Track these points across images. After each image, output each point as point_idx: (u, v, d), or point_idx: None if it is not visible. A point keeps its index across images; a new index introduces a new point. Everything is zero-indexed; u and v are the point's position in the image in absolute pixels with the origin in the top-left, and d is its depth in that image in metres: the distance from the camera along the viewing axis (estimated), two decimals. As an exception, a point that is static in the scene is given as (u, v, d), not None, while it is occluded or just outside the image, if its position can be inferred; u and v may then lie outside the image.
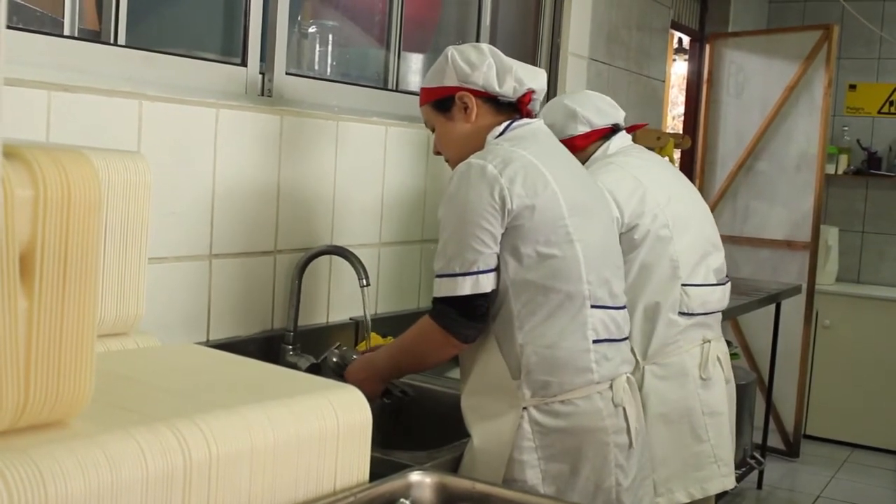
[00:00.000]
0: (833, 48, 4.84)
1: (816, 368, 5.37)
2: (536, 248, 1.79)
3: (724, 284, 2.54)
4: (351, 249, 2.28)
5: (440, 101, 1.96)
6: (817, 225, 4.97)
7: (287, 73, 2.33)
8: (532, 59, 3.44)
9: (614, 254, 1.99)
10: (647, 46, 4.20)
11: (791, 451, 5.14)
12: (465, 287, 1.78)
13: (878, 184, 5.74)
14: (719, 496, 2.64)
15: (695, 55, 5.39)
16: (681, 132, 5.34)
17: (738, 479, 3.94)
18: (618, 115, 2.55)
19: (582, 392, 1.82)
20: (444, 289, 1.80)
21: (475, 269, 1.78)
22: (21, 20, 1.90)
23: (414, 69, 2.91)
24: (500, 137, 1.91)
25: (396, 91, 2.79)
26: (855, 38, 5.70)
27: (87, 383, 0.99)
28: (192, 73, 2.09)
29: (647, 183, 2.40)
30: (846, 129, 5.80)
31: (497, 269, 1.80)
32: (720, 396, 2.48)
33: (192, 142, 2.03)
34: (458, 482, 1.46)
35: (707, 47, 5.27)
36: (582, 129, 2.49)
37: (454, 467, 1.85)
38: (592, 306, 1.85)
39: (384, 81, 2.82)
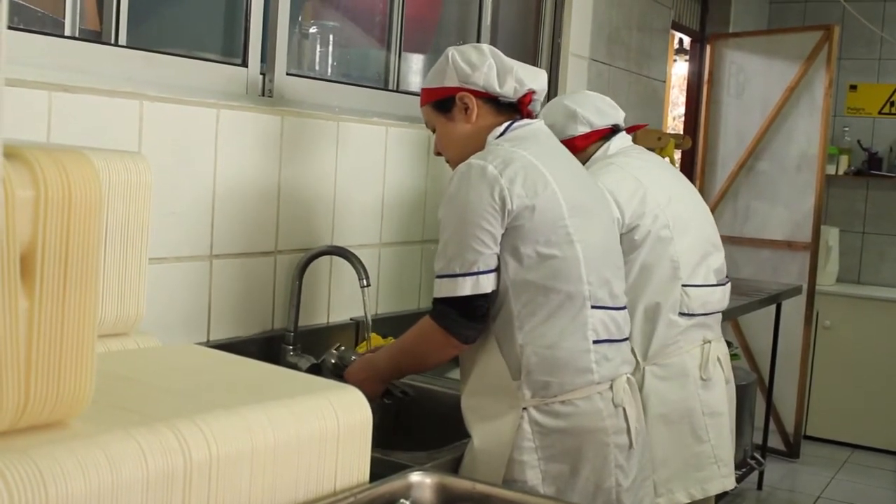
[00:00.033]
0: (834, 49, 4.84)
1: (817, 369, 5.36)
2: (536, 249, 1.79)
3: (724, 285, 2.55)
4: (351, 250, 2.28)
5: (441, 102, 1.96)
6: (818, 225, 4.97)
7: (288, 74, 2.33)
8: (533, 60, 3.44)
9: (615, 254, 1.99)
10: (647, 47, 4.20)
11: (791, 451, 5.14)
12: (466, 287, 1.78)
13: (879, 184, 5.74)
14: (719, 497, 2.64)
15: (695, 56, 5.39)
16: (681, 133, 5.34)
17: (739, 480, 3.94)
18: (618, 116, 2.55)
19: (582, 392, 1.82)
20: (444, 289, 1.80)
21: (475, 270, 1.78)
22: (22, 21, 1.90)
23: (414, 69, 2.91)
24: (501, 138, 1.91)
25: (397, 91, 2.80)
26: (855, 39, 5.70)
27: (88, 384, 0.99)
28: (193, 74, 2.09)
29: (647, 184, 2.40)
30: (847, 129, 5.80)
31: (497, 270, 1.80)
32: (720, 397, 2.48)
33: (192, 142, 2.04)
34: (458, 483, 1.46)
35: (708, 48, 5.27)
36: (582, 130, 2.49)
37: (454, 468, 1.85)
38: (593, 307, 1.85)
39: (385, 82, 2.82)
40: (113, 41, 1.96)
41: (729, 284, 2.59)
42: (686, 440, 2.41)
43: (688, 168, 5.29)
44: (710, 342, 2.46)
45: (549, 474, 1.81)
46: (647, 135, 3.87)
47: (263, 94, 2.27)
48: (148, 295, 1.53)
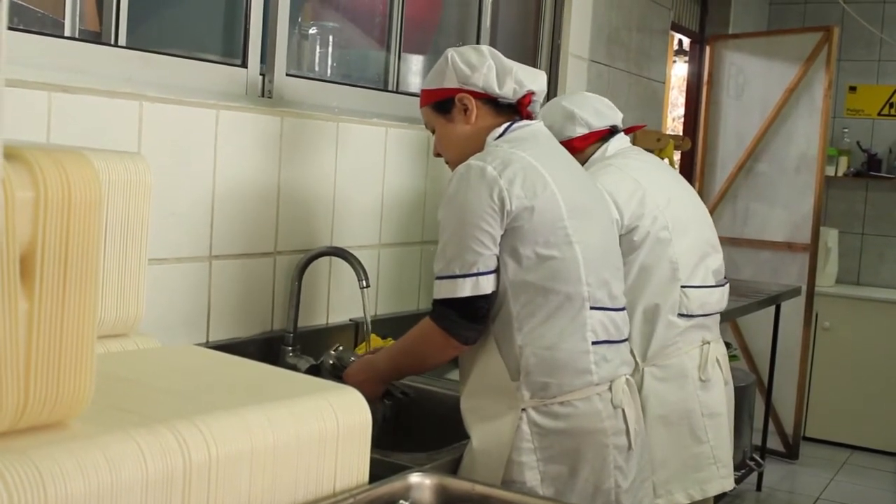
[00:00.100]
0: (833, 50, 4.84)
1: (816, 370, 5.37)
2: (536, 250, 1.79)
3: (723, 286, 2.55)
4: (351, 251, 2.28)
5: (440, 103, 1.96)
6: (817, 227, 4.97)
7: (287, 75, 2.33)
8: (532, 61, 3.44)
9: (614, 255, 1.99)
10: (647, 48, 4.21)
11: (790, 452, 5.14)
12: (465, 289, 1.78)
13: (878, 186, 5.74)
14: (718, 497, 2.64)
15: (695, 57, 5.39)
16: (681, 134, 5.34)
17: (738, 481, 3.94)
18: (616, 117, 2.55)
19: (581, 394, 1.82)
20: (444, 290, 1.80)
21: (475, 271, 1.78)
22: (22, 21, 1.90)
23: (414, 70, 2.92)
24: (500, 139, 1.91)
25: (397, 92, 2.80)
26: (855, 40, 5.70)
27: (87, 384, 0.99)
28: (193, 75, 2.09)
29: (646, 185, 2.40)
30: (846, 130, 5.80)
31: (497, 271, 1.80)
32: (719, 398, 2.48)
33: (192, 143, 2.04)
34: (457, 484, 1.46)
35: (707, 49, 5.28)
36: (580, 131, 2.49)
37: (453, 469, 1.85)
38: (592, 308, 1.85)
39: (384, 83, 2.82)
40: (112, 42, 1.96)
41: (728, 285, 2.59)
42: (685, 441, 2.41)
43: (687, 169, 5.29)
44: (708, 343, 2.46)
45: (548, 475, 1.81)
46: (646, 136, 3.87)
47: (263, 95, 2.27)
48: (147, 296, 1.53)
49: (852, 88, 5.82)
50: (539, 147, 1.91)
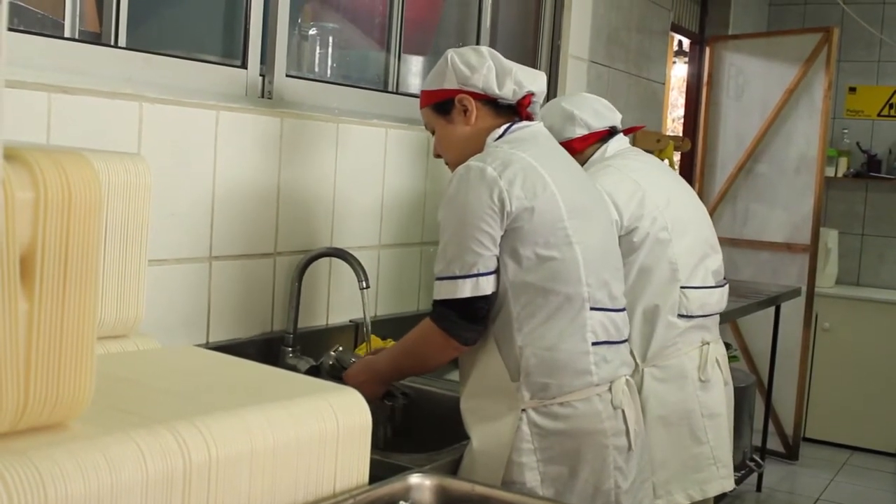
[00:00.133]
0: (833, 51, 4.84)
1: (816, 371, 5.37)
2: (535, 250, 1.80)
3: (722, 286, 2.55)
4: (351, 251, 2.28)
5: (440, 104, 1.96)
6: (817, 227, 4.97)
7: (287, 76, 2.33)
8: (532, 62, 3.44)
9: (613, 256, 1.99)
10: (647, 49, 4.21)
11: (790, 453, 5.14)
12: (465, 289, 1.78)
13: (878, 186, 5.74)
14: (718, 498, 2.64)
15: (695, 58, 5.39)
16: (681, 135, 5.34)
17: (738, 482, 3.94)
18: (615, 118, 2.56)
19: (581, 394, 1.82)
20: (444, 291, 1.80)
21: (475, 272, 1.78)
22: (22, 22, 1.90)
23: (414, 71, 2.92)
24: (500, 140, 1.91)
25: (397, 93, 2.80)
26: (855, 41, 5.70)
27: (87, 385, 0.99)
28: (193, 75, 2.09)
29: (645, 186, 2.40)
30: (846, 131, 5.80)
31: (497, 272, 1.80)
32: (719, 398, 2.48)
33: (192, 144, 2.04)
34: (457, 484, 1.46)
35: (707, 50, 5.28)
36: (579, 132, 2.49)
37: (453, 469, 1.85)
38: (592, 308, 1.85)
39: (384, 83, 2.82)
40: (112, 43, 1.96)
41: (727, 286, 2.59)
42: (685, 442, 2.41)
43: (687, 170, 5.29)
44: (708, 344, 2.46)
45: (548, 476, 1.81)
46: (646, 137, 3.87)
47: (263, 96, 2.27)
48: (147, 296, 1.53)
49: (852, 89, 5.83)
50: (539, 148, 1.91)
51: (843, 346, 5.39)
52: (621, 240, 2.26)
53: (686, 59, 5.58)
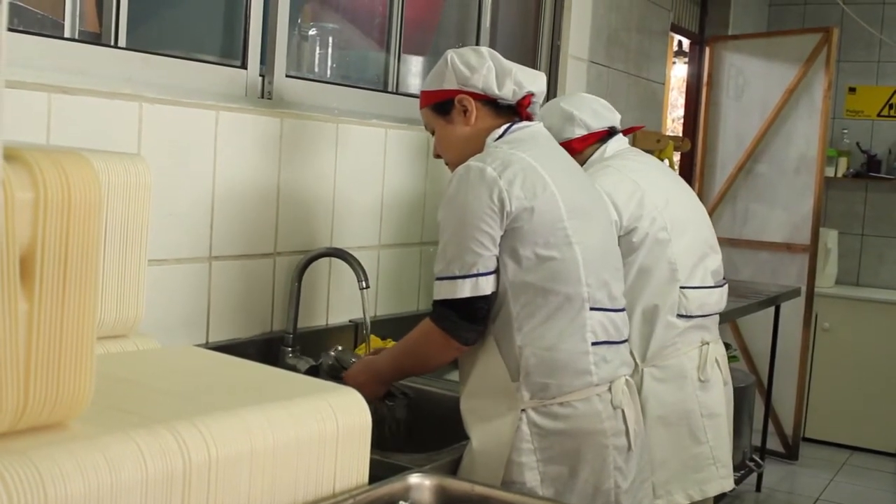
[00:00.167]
0: (833, 51, 4.84)
1: (816, 371, 5.37)
2: (535, 251, 1.80)
3: (721, 286, 2.55)
4: (350, 251, 2.28)
5: (440, 104, 1.96)
6: (817, 228, 4.97)
7: (287, 76, 2.33)
8: (532, 62, 3.45)
9: (613, 256, 1.99)
10: (646, 49, 4.21)
11: (790, 453, 5.14)
12: (465, 289, 1.78)
13: (878, 186, 5.74)
14: (718, 498, 2.64)
15: (694, 58, 5.39)
16: (680, 135, 5.34)
17: (737, 482, 3.94)
18: (614, 118, 2.56)
19: (581, 394, 1.82)
20: (443, 291, 1.80)
21: (475, 272, 1.78)
22: (22, 22, 1.90)
23: (414, 72, 2.92)
24: (500, 140, 1.91)
25: (396, 93, 2.80)
26: (855, 41, 5.70)
27: (87, 385, 0.99)
28: (193, 76, 2.09)
29: (644, 186, 2.40)
30: (846, 131, 5.80)
31: (497, 272, 1.80)
32: (718, 398, 2.48)
33: (192, 144, 2.04)
34: (457, 484, 1.46)
35: (707, 50, 5.28)
36: (579, 133, 2.49)
37: (453, 469, 1.85)
38: (591, 308, 1.85)
39: (384, 84, 2.83)
40: (112, 43, 1.96)
41: (726, 286, 2.59)
42: (684, 442, 2.41)
43: (687, 170, 5.29)
44: (707, 344, 2.46)
45: (548, 476, 1.81)
46: (646, 137, 3.88)
47: (263, 96, 2.27)
48: (147, 296, 1.53)
49: (852, 89, 5.83)
50: (539, 148, 1.91)
51: (842, 346, 5.39)
52: (620, 240, 2.26)
53: (686, 60, 5.58)
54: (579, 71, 3.59)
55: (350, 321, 2.53)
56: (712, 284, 2.50)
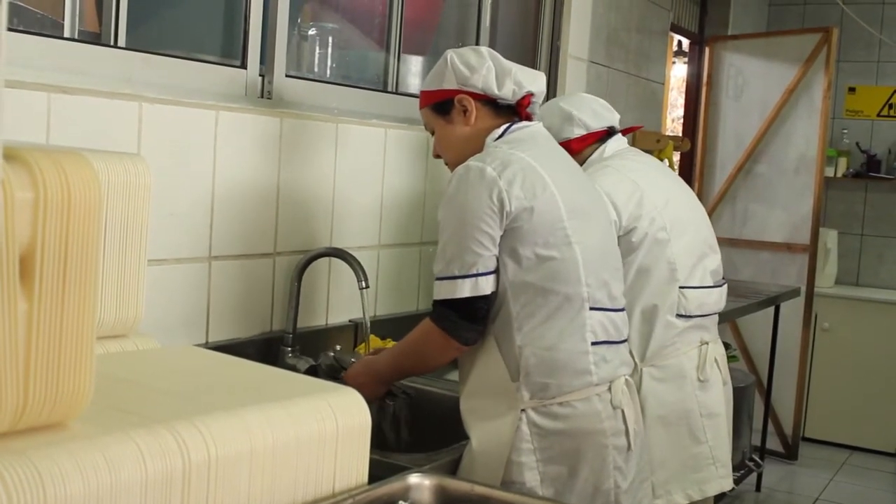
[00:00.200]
0: (832, 51, 4.84)
1: (815, 371, 5.37)
2: (535, 250, 1.80)
3: (720, 286, 2.55)
4: (350, 251, 2.28)
5: (439, 104, 1.96)
6: (816, 228, 4.97)
7: (287, 76, 2.33)
8: (532, 62, 3.45)
9: (613, 256, 1.99)
10: (646, 49, 4.21)
11: (790, 453, 5.14)
12: (465, 289, 1.78)
13: (878, 187, 5.74)
14: (718, 498, 2.64)
15: (694, 58, 5.39)
16: (680, 135, 5.34)
17: (737, 482, 3.94)
18: (613, 118, 2.56)
19: (580, 394, 1.82)
20: (443, 291, 1.80)
21: (474, 272, 1.78)
22: (21, 22, 1.90)
23: (413, 71, 2.92)
24: (500, 140, 1.91)
25: (396, 93, 2.80)
26: (854, 41, 5.70)
27: (87, 385, 0.99)
28: (192, 75, 2.09)
29: (644, 186, 2.40)
30: (845, 131, 5.80)
31: (496, 272, 1.80)
32: (718, 398, 2.48)
33: (191, 144, 2.04)
34: (456, 484, 1.46)
35: (706, 50, 5.28)
36: (578, 133, 2.49)
37: (453, 469, 1.85)
38: (591, 308, 1.85)
39: (384, 84, 2.83)
40: (112, 43, 1.96)
41: (726, 286, 2.59)
42: (684, 441, 2.41)
43: (687, 170, 5.29)
44: (707, 343, 2.46)
45: (548, 476, 1.81)
46: (645, 137, 3.88)
47: (262, 96, 2.27)
48: (147, 296, 1.53)
49: (851, 89, 5.83)
50: (538, 148, 1.91)
51: (842, 346, 5.39)
52: (620, 240, 2.26)
53: (685, 60, 5.58)
54: (579, 71, 3.59)
55: (350, 321, 2.53)
56: (711, 284, 2.50)
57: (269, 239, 2.27)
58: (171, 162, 1.99)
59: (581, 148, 2.49)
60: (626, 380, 1.93)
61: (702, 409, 2.43)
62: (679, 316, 2.40)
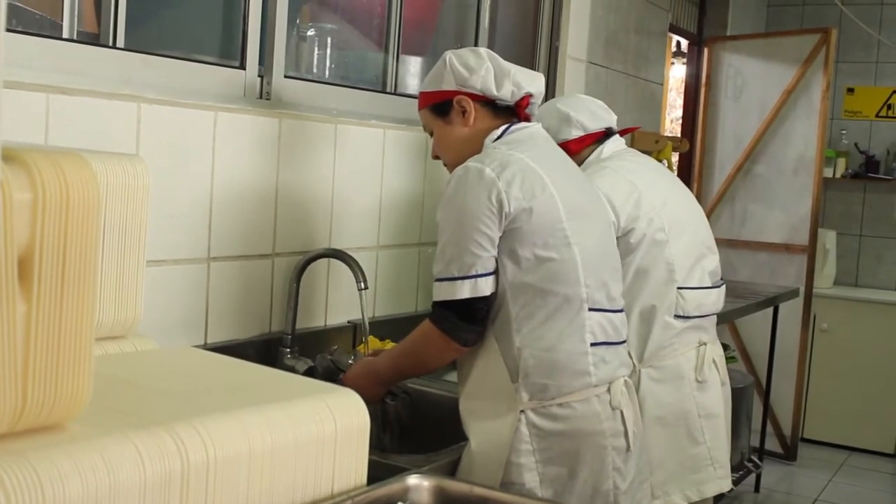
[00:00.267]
0: (831, 52, 4.84)
1: (814, 372, 5.37)
2: (534, 251, 1.80)
3: (719, 287, 2.55)
4: (349, 252, 2.28)
5: (438, 105, 1.96)
6: (815, 228, 4.98)
7: (286, 76, 2.33)
8: (530, 63, 3.45)
9: (612, 257, 1.99)
10: (645, 50, 4.21)
11: (788, 454, 5.14)
12: (464, 291, 1.78)
13: (876, 187, 5.74)
14: (716, 499, 2.64)
15: (693, 58, 5.40)
16: (679, 135, 5.35)
17: (736, 483, 3.94)
18: (611, 119, 2.56)
19: (580, 395, 1.82)
20: (443, 292, 1.80)
21: (473, 273, 1.78)
22: (20, 23, 1.90)
23: (412, 72, 2.92)
24: (498, 141, 1.91)
25: (395, 94, 2.80)
26: (853, 42, 5.71)
27: (85, 386, 0.99)
28: (191, 76, 2.09)
29: (642, 187, 2.40)
30: (844, 132, 5.81)
31: (496, 273, 1.80)
32: (716, 399, 2.48)
33: (190, 145, 2.04)
34: (455, 485, 1.46)
35: (705, 51, 5.28)
36: (576, 134, 2.49)
37: (452, 471, 1.85)
38: (590, 309, 1.85)
39: (383, 84, 2.83)
40: (111, 44, 1.96)
41: (724, 287, 2.59)
42: (682, 442, 2.41)
43: (685, 171, 5.29)
44: (705, 344, 2.47)
45: (547, 477, 1.81)
46: (644, 137, 3.87)
47: (261, 97, 2.27)
48: (145, 297, 1.53)
49: (850, 90, 5.83)
50: (537, 149, 1.91)
51: (841, 346, 5.39)
52: (618, 241, 2.26)
53: (684, 60, 5.59)
54: (578, 72, 3.59)
55: (348, 322, 2.53)
56: (710, 285, 2.50)
57: (268, 240, 2.27)
58: (170, 163, 1.99)
59: (579, 149, 2.49)
60: (626, 381, 1.93)
61: (700, 410, 2.43)
62: (677, 317, 2.40)
